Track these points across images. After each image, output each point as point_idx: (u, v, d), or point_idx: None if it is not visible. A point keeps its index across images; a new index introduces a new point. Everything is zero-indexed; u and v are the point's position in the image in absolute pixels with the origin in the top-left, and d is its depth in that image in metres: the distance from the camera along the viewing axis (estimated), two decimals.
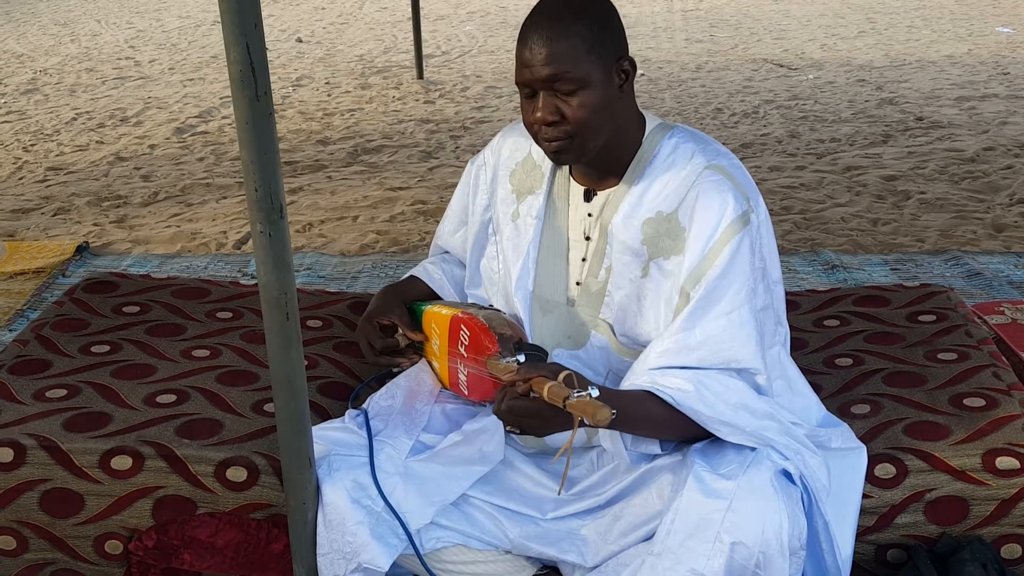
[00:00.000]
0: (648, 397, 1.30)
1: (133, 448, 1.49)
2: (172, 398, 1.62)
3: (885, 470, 1.48)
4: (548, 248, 1.45)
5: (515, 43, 1.37)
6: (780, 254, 3.30)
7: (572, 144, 1.32)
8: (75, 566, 1.54)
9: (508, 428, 1.29)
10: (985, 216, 3.27)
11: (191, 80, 5.70)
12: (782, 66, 5.80)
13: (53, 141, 4.48)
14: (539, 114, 1.31)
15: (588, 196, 1.42)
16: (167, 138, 4.48)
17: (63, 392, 1.63)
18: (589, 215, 1.43)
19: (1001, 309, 2.07)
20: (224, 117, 4.83)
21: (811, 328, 1.92)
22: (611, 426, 1.29)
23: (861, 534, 1.47)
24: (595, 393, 1.18)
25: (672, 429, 1.33)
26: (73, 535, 1.51)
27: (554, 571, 1.44)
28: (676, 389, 1.29)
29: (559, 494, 1.39)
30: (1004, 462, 1.47)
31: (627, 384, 1.35)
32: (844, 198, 3.49)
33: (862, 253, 3.00)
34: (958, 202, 3.40)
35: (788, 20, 7.36)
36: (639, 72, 5.61)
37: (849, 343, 1.84)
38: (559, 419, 1.24)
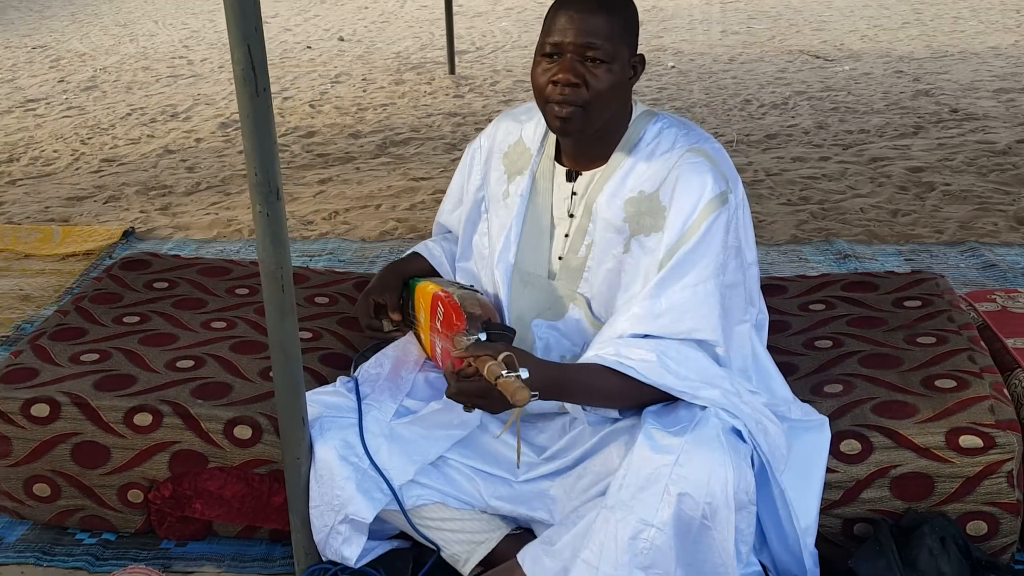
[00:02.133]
0: (605, 370, 1.37)
1: (153, 406, 1.65)
2: (190, 363, 1.78)
3: (851, 446, 1.52)
4: (532, 224, 1.53)
5: None
6: (793, 244, 3.27)
7: (582, 114, 1.38)
8: (102, 512, 1.70)
9: (464, 408, 1.36)
10: (1009, 208, 3.19)
11: None
12: (818, 57, 5.74)
13: (108, 135, 4.74)
14: (562, 75, 1.36)
15: (570, 176, 1.51)
16: (212, 132, 4.70)
17: (96, 356, 1.81)
18: (574, 193, 1.50)
19: (993, 297, 2.05)
20: None
21: (796, 312, 1.96)
22: (568, 399, 1.39)
23: (828, 508, 1.52)
24: (524, 375, 1.25)
25: (627, 399, 1.41)
26: (100, 484, 1.68)
27: (529, 532, 1.52)
28: (640, 361, 1.36)
29: (517, 467, 1.49)
30: (968, 440, 1.50)
31: (593, 352, 1.41)
32: (865, 189, 3.45)
33: (877, 243, 2.96)
34: (983, 194, 3.33)
35: (830, 11, 7.25)
36: (671, 64, 5.66)
37: (831, 326, 1.87)
38: (504, 398, 1.28)
